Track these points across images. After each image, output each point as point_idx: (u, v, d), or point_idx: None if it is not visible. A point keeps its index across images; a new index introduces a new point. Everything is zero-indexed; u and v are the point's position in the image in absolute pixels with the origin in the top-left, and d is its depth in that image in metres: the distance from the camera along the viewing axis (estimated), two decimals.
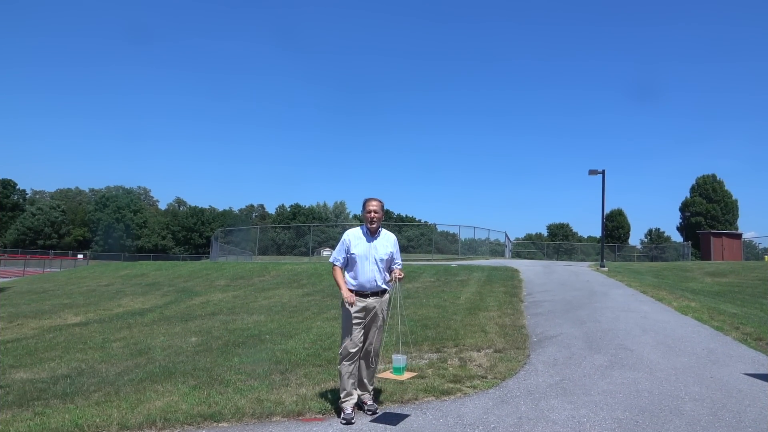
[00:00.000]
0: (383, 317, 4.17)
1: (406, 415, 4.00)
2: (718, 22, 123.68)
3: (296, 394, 4.47)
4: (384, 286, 4.17)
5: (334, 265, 4.23)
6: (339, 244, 4.27)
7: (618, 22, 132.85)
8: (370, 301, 4.11)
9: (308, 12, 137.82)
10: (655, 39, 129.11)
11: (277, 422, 3.92)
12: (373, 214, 4.17)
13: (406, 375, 4.01)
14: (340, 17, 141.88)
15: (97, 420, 3.86)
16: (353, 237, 4.21)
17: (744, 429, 3.80)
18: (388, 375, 4.02)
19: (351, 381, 4.05)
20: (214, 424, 3.88)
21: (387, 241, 4.26)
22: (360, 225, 4.35)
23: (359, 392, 4.15)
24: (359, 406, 4.13)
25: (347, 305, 4.06)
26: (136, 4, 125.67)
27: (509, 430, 3.77)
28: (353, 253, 4.14)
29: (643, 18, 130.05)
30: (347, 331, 4.07)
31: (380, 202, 4.25)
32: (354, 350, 4.05)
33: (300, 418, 4.01)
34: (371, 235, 4.22)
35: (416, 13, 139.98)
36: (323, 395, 4.47)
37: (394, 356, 4.01)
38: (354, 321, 4.05)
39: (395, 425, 3.82)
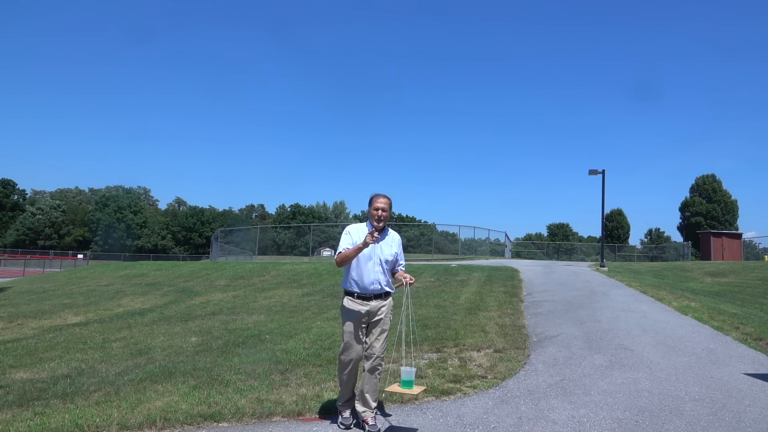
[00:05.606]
0: (388, 322, 3.93)
1: None
2: (718, 22, 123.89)
3: (296, 394, 4.47)
4: (387, 289, 3.92)
5: (340, 252, 3.89)
6: (344, 236, 3.94)
7: (618, 22, 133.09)
8: (373, 304, 3.86)
9: (308, 12, 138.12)
10: (655, 39, 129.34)
11: (277, 422, 3.92)
12: (381, 212, 3.87)
13: (416, 389, 3.67)
14: (340, 17, 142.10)
15: (97, 420, 3.86)
16: (358, 234, 3.92)
17: (744, 429, 3.80)
18: (396, 389, 3.66)
19: (350, 386, 3.95)
20: (214, 424, 3.87)
21: (392, 242, 4.00)
22: (365, 222, 4.07)
23: (360, 409, 3.85)
24: (360, 425, 3.82)
25: (368, 238, 3.69)
26: (136, 4, 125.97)
27: (509, 430, 3.77)
28: None
29: (643, 18, 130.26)
30: (347, 336, 3.88)
31: (389, 199, 3.94)
32: (354, 357, 3.88)
33: (300, 418, 4.01)
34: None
35: (417, 12, 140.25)
36: (323, 395, 4.46)
37: (402, 369, 3.67)
38: (355, 326, 3.87)
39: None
